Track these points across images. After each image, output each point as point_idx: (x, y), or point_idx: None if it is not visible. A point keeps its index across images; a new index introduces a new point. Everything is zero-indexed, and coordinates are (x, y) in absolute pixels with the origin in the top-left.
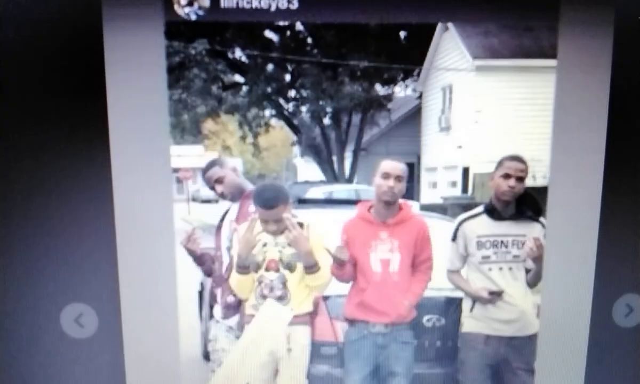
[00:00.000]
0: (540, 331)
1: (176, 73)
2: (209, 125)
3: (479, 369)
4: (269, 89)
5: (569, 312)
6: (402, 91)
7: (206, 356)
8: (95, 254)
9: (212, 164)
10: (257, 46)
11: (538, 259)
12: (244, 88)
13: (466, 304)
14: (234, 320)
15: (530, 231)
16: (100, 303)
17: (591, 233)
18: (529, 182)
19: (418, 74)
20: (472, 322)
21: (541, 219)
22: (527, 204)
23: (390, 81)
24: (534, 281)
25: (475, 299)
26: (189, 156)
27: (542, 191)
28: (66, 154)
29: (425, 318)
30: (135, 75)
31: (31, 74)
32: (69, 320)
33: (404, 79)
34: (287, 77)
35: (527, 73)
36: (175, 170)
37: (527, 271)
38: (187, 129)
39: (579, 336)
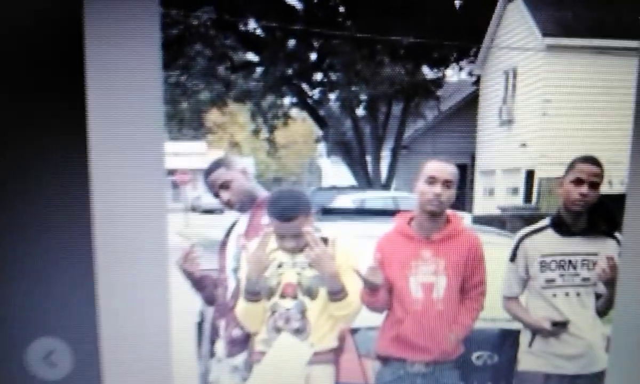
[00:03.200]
0: (608, 368)
1: (174, 49)
2: (213, 116)
3: None
4: (289, 71)
5: None
6: (455, 75)
7: None
8: (70, 276)
9: (216, 165)
10: (275, 16)
11: (611, 283)
12: (258, 69)
13: (524, 338)
14: (240, 358)
15: (603, 248)
16: (75, 337)
17: None
18: (604, 189)
19: (475, 54)
20: (530, 359)
21: (617, 234)
22: (601, 215)
23: (441, 62)
24: (604, 308)
25: (536, 332)
26: (188, 154)
27: (619, 200)
28: (36, 151)
29: (475, 354)
30: (121, 52)
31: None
32: (38, 358)
33: (457, 60)
34: (313, 56)
35: (606, 56)
36: (171, 172)
37: (598, 296)
38: (186, 121)
39: None
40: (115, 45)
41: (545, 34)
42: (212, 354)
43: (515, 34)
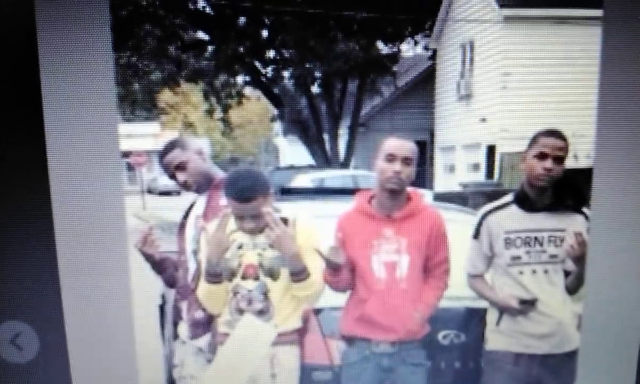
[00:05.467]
0: (581, 347)
1: (123, 30)
2: (166, 96)
3: None
4: (241, 49)
5: (616, 323)
6: (410, 50)
7: None
8: (32, 262)
9: (171, 146)
10: None
11: (580, 259)
12: (210, 48)
13: (491, 316)
14: (204, 340)
15: (570, 224)
16: (41, 321)
17: None
18: (570, 163)
19: (431, 28)
20: (498, 338)
21: (584, 209)
22: (567, 190)
23: (396, 37)
24: (574, 285)
25: (503, 310)
26: (143, 136)
27: (586, 174)
28: None
29: (441, 333)
30: (72, 35)
31: None
32: (4, 341)
33: (412, 34)
34: (264, 33)
35: (567, 26)
36: (126, 154)
37: (567, 273)
38: (138, 102)
39: (628, 351)
40: (66, 29)
41: (503, 4)
42: (175, 336)
43: (471, 6)
